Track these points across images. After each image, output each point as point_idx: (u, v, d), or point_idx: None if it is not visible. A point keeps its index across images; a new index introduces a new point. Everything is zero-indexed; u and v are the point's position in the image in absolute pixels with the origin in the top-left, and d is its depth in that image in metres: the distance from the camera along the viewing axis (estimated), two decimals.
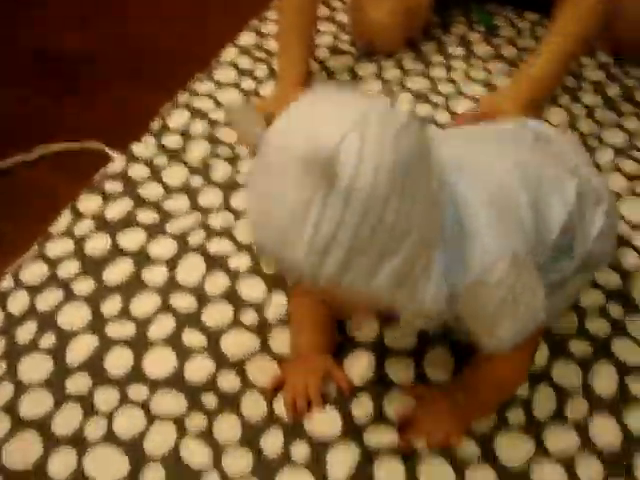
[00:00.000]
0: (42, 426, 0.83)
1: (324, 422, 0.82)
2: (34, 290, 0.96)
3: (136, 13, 1.51)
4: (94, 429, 0.83)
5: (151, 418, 0.83)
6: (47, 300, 0.95)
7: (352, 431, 0.82)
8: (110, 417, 0.84)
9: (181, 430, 0.82)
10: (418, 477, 0.79)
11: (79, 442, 0.82)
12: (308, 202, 0.51)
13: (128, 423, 0.83)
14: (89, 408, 0.84)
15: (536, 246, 0.70)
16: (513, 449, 0.81)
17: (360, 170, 0.51)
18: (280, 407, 0.83)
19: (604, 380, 0.87)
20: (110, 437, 0.82)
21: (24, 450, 0.81)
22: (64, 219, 1.04)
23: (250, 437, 0.81)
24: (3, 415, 0.84)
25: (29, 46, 1.41)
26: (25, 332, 0.92)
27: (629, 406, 0.84)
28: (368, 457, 0.80)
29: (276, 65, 1.22)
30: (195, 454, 0.80)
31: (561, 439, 0.82)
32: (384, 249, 0.54)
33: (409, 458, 0.80)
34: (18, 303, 0.95)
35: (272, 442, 0.81)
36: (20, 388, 0.86)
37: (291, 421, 0.82)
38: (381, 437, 0.82)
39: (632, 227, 1.02)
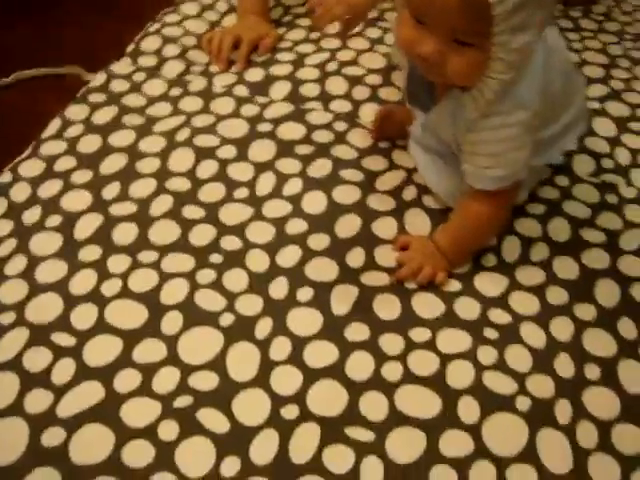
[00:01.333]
0: (60, 289, 0.89)
1: (323, 269, 0.92)
2: (34, 181, 1.02)
3: None
4: (110, 287, 0.90)
5: (163, 276, 0.91)
6: (48, 189, 1.01)
7: (349, 276, 0.92)
8: (124, 278, 0.91)
9: (193, 283, 0.90)
10: (413, 307, 0.89)
11: (97, 299, 0.88)
12: None
13: (142, 281, 0.90)
14: (103, 271, 0.91)
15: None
16: (491, 284, 0.92)
17: None
18: (282, 259, 0.93)
19: (560, 230, 1.00)
20: (126, 293, 0.89)
21: (44, 308, 0.87)
22: (54, 125, 1.10)
23: (258, 285, 0.90)
24: (21, 281, 0.90)
25: None
26: (31, 215, 0.97)
27: (583, 249, 0.97)
28: (366, 295, 0.90)
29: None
30: (209, 300, 0.88)
31: (530, 275, 0.94)
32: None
33: (403, 293, 0.90)
34: (20, 193, 1.01)
35: (278, 289, 0.90)
36: (34, 260, 0.92)
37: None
38: (376, 279, 0.92)
39: None
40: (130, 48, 1.26)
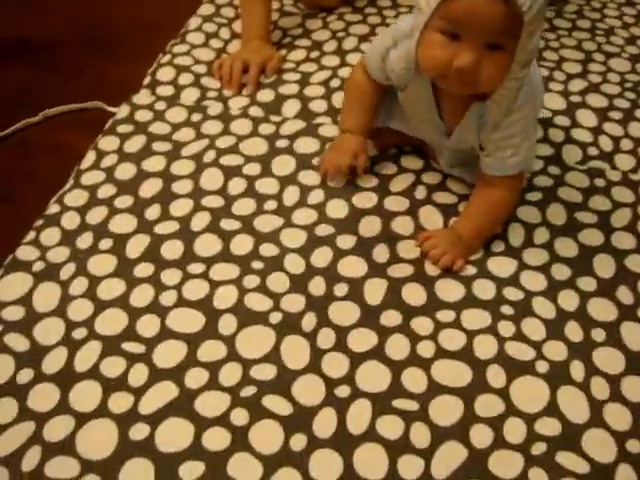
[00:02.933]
0: (122, 303, 1.01)
1: (353, 266, 1.05)
2: (81, 210, 1.14)
3: None
4: (167, 298, 1.02)
5: (213, 284, 1.04)
6: (96, 216, 1.13)
7: (377, 270, 1.05)
8: (178, 289, 1.03)
9: (241, 288, 1.03)
10: (436, 293, 1.03)
11: (157, 309, 1.01)
12: None
13: (195, 290, 1.03)
14: (159, 285, 1.04)
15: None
16: (502, 266, 1.07)
17: None
18: (316, 260, 1.07)
19: (557, 214, 1.14)
20: (183, 302, 1.01)
21: (111, 322, 1.00)
22: (90, 157, 1.22)
23: (298, 285, 1.03)
24: (86, 300, 1.02)
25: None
26: (84, 241, 1.09)
27: (580, 229, 1.12)
28: (394, 285, 1.04)
29: (241, 25, 1.45)
30: (257, 302, 1.01)
31: (535, 256, 1.08)
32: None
33: (427, 281, 1.04)
34: (70, 221, 1.12)
35: (317, 287, 1.03)
36: (94, 280, 1.04)
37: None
38: (401, 271, 1.06)
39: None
40: (147, 80, 1.38)
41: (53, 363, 0.94)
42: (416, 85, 1.04)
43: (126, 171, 1.20)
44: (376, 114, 1.16)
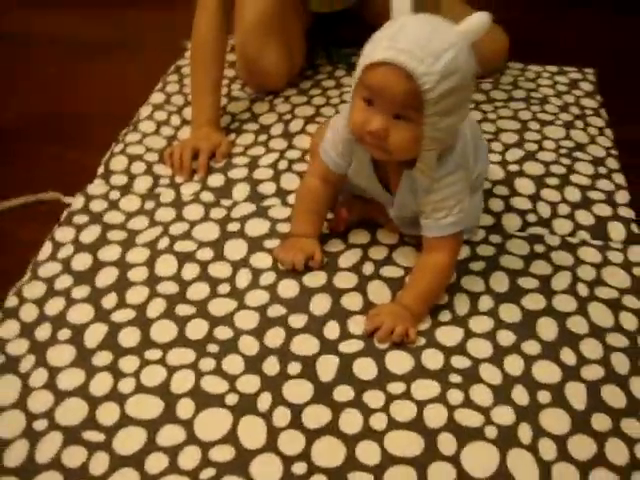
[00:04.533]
0: (82, 392, 1.05)
1: (305, 344, 1.11)
2: (39, 302, 1.18)
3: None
4: (126, 385, 1.06)
5: (170, 369, 1.08)
6: (53, 307, 1.17)
7: (329, 347, 1.11)
8: (137, 375, 1.07)
9: (197, 372, 1.07)
10: (387, 366, 1.08)
11: (116, 397, 1.05)
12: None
13: (152, 376, 1.07)
14: (117, 373, 1.08)
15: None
16: (449, 335, 1.12)
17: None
18: (269, 341, 1.12)
19: (500, 282, 1.21)
20: (141, 388, 1.05)
21: (72, 412, 1.03)
22: (46, 248, 1.27)
23: (253, 366, 1.08)
24: (45, 392, 1.06)
25: None
26: (43, 332, 1.13)
27: (522, 295, 1.19)
28: (346, 361, 1.09)
29: (191, 112, 1.53)
30: (214, 385, 1.06)
31: (481, 324, 1.14)
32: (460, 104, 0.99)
33: (377, 355, 1.10)
34: (28, 314, 1.16)
35: (270, 367, 1.08)
36: (53, 370, 1.08)
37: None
38: (352, 346, 1.11)
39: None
40: (101, 170, 1.44)
41: (15, 456, 0.97)
42: (357, 156, 1.14)
43: (82, 261, 1.24)
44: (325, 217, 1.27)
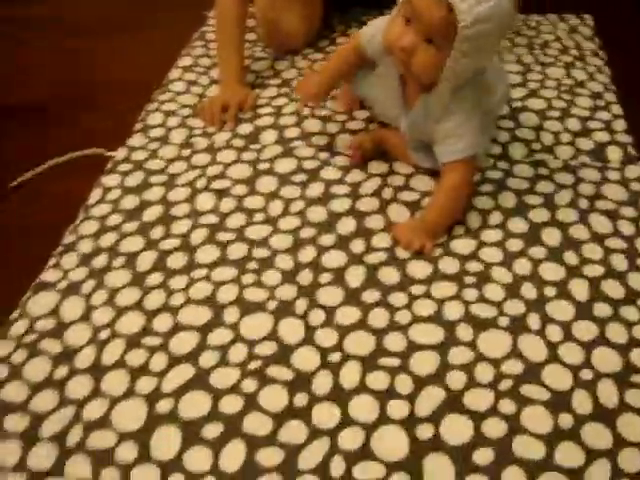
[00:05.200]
0: (139, 306, 1.20)
1: (335, 258, 1.25)
2: (93, 237, 1.33)
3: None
4: (176, 299, 1.21)
5: (215, 284, 1.22)
6: (106, 240, 1.32)
7: (356, 259, 1.25)
8: (186, 291, 1.22)
9: (240, 286, 1.22)
10: (408, 272, 1.22)
11: (169, 308, 1.19)
12: None
13: (200, 290, 1.22)
14: (168, 291, 1.22)
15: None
16: (463, 245, 1.26)
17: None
18: (303, 257, 1.26)
19: (508, 200, 1.34)
20: (190, 301, 1.20)
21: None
22: (96, 193, 1.42)
23: (292, 276, 1.22)
24: (108, 308, 1.21)
25: None
26: (100, 262, 1.29)
27: (528, 210, 1.32)
28: (371, 270, 1.23)
29: (218, 70, 1.67)
30: (255, 294, 1.20)
31: (491, 235, 1.28)
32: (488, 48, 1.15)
33: (399, 264, 1.23)
34: (86, 247, 1.32)
35: (306, 277, 1.22)
36: (112, 292, 1.23)
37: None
38: (376, 258, 1.25)
39: None
40: (139, 126, 1.59)
41: (84, 359, 1.12)
42: (386, 64, 1.27)
43: (130, 202, 1.39)
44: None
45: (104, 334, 1.15)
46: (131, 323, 1.17)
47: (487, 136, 1.38)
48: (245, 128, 1.56)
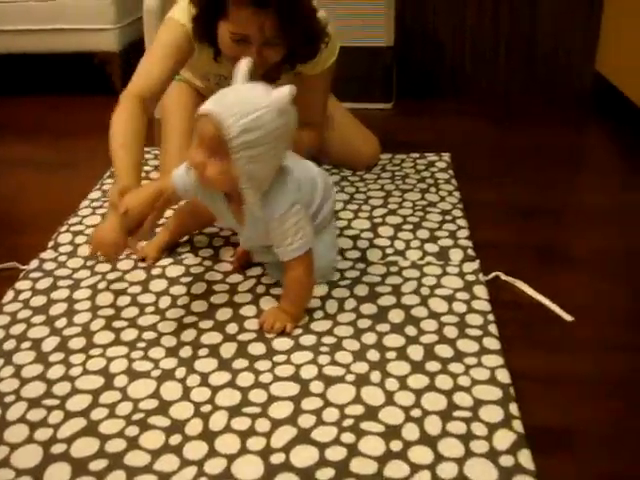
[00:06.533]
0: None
1: (214, 337, 1.51)
2: (4, 327, 1.57)
3: None
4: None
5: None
6: (16, 329, 1.56)
7: (230, 338, 1.51)
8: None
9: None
10: (273, 346, 1.48)
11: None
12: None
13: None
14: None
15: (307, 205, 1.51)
16: (321, 325, 1.53)
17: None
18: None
19: (361, 290, 1.64)
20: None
21: None
22: (8, 296, 1.66)
23: None
24: None
25: None
26: (10, 344, 1.52)
27: (378, 297, 1.62)
28: (242, 346, 1.49)
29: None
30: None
31: (345, 317, 1.56)
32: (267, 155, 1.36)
33: (266, 340, 1.50)
34: None
35: None
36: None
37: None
38: (247, 337, 1.51)
39: None
40: (51, 244, 1.86)
41: None
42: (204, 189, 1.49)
43: (38, 300, 1.64)
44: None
45: (9, 398, 1.36)
46: (34, 389, 1.38)
47: (335, 250, 1.69)
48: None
